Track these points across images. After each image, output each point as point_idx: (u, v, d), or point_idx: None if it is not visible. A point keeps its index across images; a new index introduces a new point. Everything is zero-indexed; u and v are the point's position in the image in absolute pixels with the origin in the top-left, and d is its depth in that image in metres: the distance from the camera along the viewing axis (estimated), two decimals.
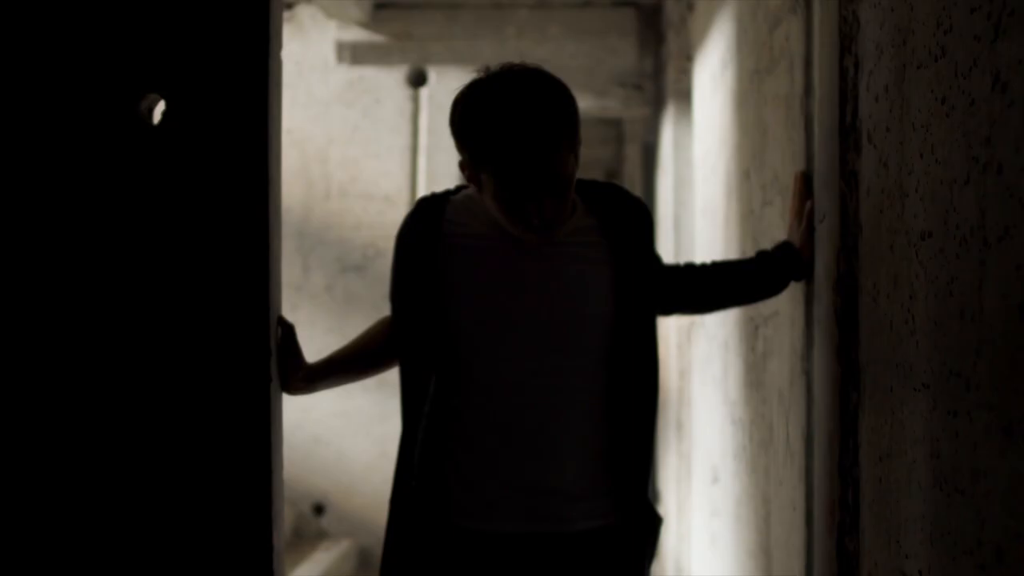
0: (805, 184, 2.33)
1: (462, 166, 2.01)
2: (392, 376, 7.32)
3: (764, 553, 2.81)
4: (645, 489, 2.11)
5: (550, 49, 6.49)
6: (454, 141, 2.00)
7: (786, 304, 2.52)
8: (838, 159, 2.02)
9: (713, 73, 3.82)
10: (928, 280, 1.54)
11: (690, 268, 2.31)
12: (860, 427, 1.92)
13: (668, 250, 5.88)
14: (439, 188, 7.26)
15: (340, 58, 6.53)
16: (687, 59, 4.91)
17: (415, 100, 6.54)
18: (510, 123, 1.90)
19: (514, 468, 2.01)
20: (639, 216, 2.15)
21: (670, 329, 5.72)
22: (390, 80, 6.54)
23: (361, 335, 2.27)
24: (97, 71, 1.98)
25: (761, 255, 2.33)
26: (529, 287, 2.02)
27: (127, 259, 1.97)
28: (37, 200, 1.97)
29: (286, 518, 6.51)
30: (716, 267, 2.33)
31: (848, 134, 1.99)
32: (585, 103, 6.78)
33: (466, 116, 1.96)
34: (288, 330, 2.08)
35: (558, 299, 2.03)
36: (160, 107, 2.03)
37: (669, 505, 5.81)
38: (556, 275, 2.03)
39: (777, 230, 2.61)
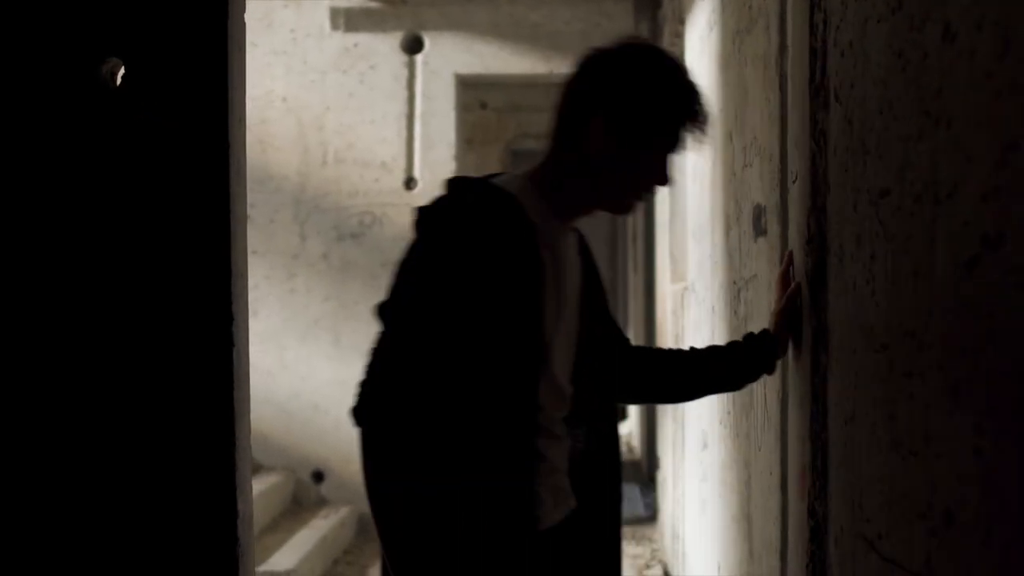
0: (790, 266, 2.16)
1: (597, 128, 1.89)
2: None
3: (745, 518, 2.80)
4: None
5: (544, 14, 6.43)
6: (616, 101, 1.89)
7: (764, 266, 2.49)
8: (808, 118, 1.98)
9: (701, 35, 3.78)
10: (887, 239, 1.51)
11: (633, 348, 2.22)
12: (828, 390, 1.89)
13: (663, 215, 5.84)
14: (435, 154, 7.19)
15: (335, 25, 6.48)
16: (680, 22, 4.85)
17: (410, 66, 6.49)
18: (698, 101, 1.93)
19: (562, 462, 2.00)
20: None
21: (666, 296, 5.69)
22: (385, 46, 6.49)
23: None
24: (57, 36, 1.96)
25: (730, 345, 2.21)
26: (574, 280, 2.03)
27: (87, 223, 1.95)
28: None
29: (285, 486, 6.52)
30: (671, 353, 2.22)
31: (818, 92, 1.95)
32: None
33: (665, 85, 1.91)
34: None
35: (595, 295, 2.07)
36: (121, 71, 2.00)
37: (667, 471, 5.80)
38: (593, 270, 2.08)
39: (755, 192, 2.57)
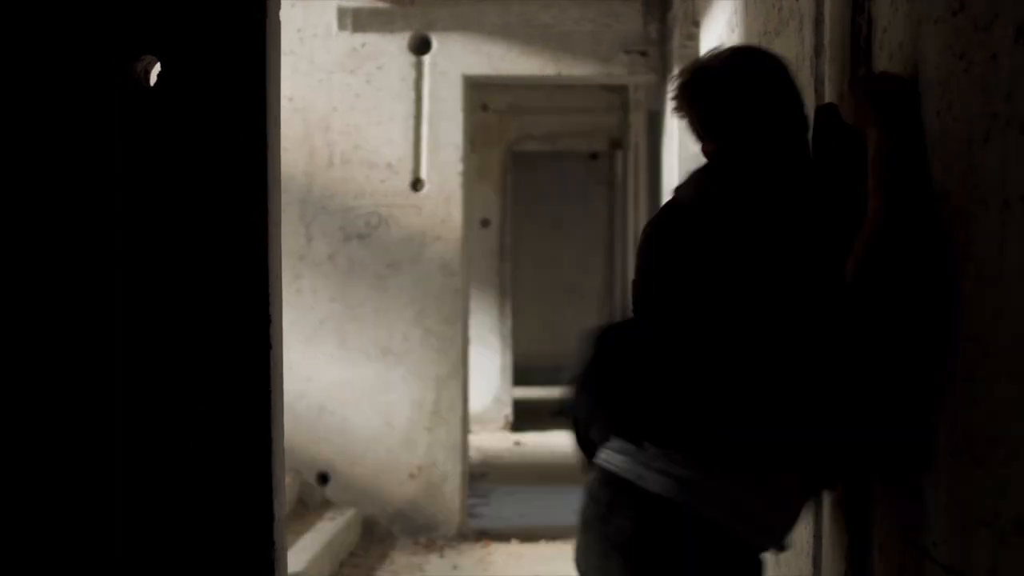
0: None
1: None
2: (396, 344, 7.10)
3: None
4: None
5: (554, 14, 6.41)
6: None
7: None
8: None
9: (720, 37, 3.76)
10: (945, 242, 1.49)
11: None
12: None
13: None
14: (442, 155, 7.14)
15: (342, 25, 6.45)
16: (694, 24, 4.84)
17: (418, 67, 6.46)
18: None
19: None
20: None
21: None
22: (393, 47, 6.47)
23: None
24: (91, 31, 1.93)
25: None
26: None
27: (122, 226, 1.93)
28: (30, 164, 1.92)
29: (291, 487, 6.50)
30: None
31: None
32: (589, 70, 6.72)
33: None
34: None
35: None
36: (156, 69, 1.98)
37: None
38: None
39: None
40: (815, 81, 2.29)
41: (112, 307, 1.92)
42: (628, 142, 10.11)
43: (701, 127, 2.02)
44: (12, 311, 1.91)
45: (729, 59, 2.01)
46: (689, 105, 2.03)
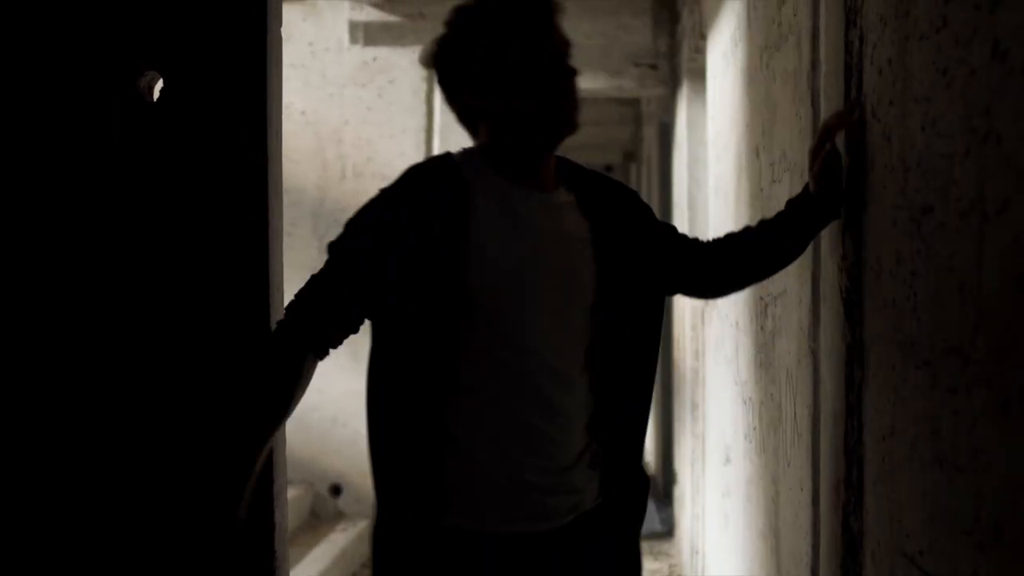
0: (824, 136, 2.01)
1: (471, 100, 2.02)
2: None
3: (773, 533, 2.79)
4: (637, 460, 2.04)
5: (565, 28, 6.44)
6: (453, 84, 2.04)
7: (794, 282, 2.50)
8: (843, 134, 1.99)
9: (725, 51, 3.79)
10: (929, 255, 1.51)
11: (699, 244, 2.18)
12: (864, 406, 1.90)
13: (682, 229, 5.84)
14: None
15: (354, 39, 6.51)
16: (701, 37, 4.87)
17: (429, 80, 6.51)
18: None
19: (521, 461, 1.85)
20: (626, 199, 2.07)
21: (685, 310, 5.70)
22: (404, 60, 6.52)
23: (281, 392, 2.01)
24: (95, 48, 1.98)
25: (777, 215, 2.09)
26: (542, 249, 1.90)
27: (125, 238, 1.96)
28: (35, 178, 1.96)
29: (303, 499, 6.53)
30: (727, 237, 2.17)
31: (853, 109, 1.96)
32: (599, 83, 6.74)
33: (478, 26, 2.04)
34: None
35: (565, 264, 1.93)
36: (159, 84, 2.02)
37: (684, 485, 5.80)
38: (561, 238, 1.94)
39: None
40: (812, 95, 2.31)
41: (113, 313, 1.95)
42: (641, 154, 10.14)
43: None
44: (13, 318, 1.95)
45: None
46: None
